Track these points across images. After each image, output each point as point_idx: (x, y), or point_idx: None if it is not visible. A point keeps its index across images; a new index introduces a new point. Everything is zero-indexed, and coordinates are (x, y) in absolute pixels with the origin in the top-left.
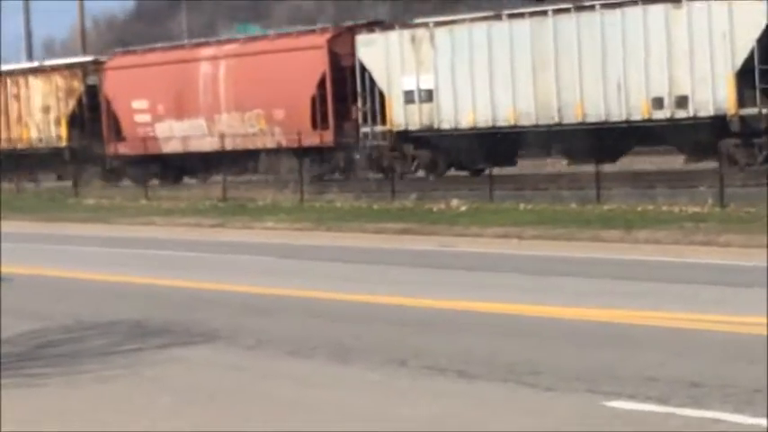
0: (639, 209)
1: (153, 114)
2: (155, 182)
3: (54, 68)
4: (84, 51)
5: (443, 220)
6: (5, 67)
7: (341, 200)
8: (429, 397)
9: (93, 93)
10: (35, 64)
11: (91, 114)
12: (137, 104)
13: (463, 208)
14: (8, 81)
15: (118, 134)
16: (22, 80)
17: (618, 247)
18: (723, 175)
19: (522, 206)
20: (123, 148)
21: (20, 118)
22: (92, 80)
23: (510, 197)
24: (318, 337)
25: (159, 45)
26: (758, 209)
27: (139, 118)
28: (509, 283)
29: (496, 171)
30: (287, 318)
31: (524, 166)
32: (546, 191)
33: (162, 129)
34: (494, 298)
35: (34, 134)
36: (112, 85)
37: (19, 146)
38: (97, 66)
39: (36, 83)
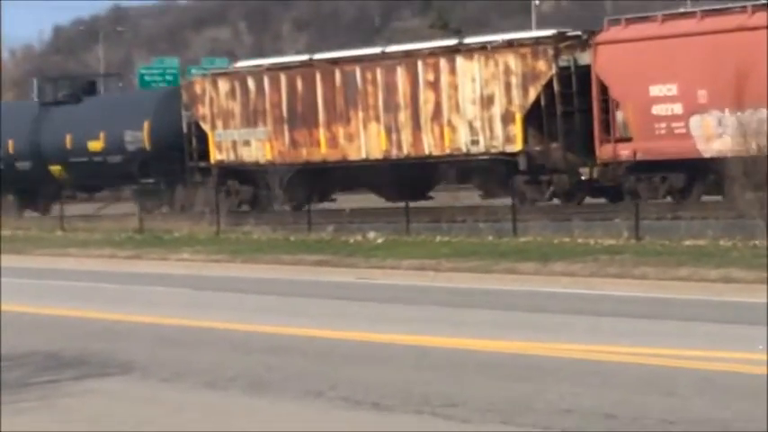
0: (555, 241)
1: (686, 103)
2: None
3: (501, 46)
4: (0, 81)
5: (360, 252)
6: (412, 47)
7: (257, 232)
8: (345, 428)
9: (566, 78)
10: (461, 41)
11: (564, 108)
12: (657, 91)
13: (380, 240)
14: (419, 64)
15: (615, 133)
16: (443, 63)
17: (534, 280)
18: (639, 207)
19: (438, 238)
20: (625, 151)
21: (437, 113)
22: (564, 61)
23: (426, 229)
24: (235, 368)
25: (685, 10)
26: (672, 242)
27: (661, 109)
28: (425, 315)
29: (413, 204)
30: (203, 349)
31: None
32: (463, 223)
33: (700, 123)
34: (409, 330)
35: (464, 136)
36: (610, 65)
37: (434, 152)
38: (572, 41)
39: (468, 66)
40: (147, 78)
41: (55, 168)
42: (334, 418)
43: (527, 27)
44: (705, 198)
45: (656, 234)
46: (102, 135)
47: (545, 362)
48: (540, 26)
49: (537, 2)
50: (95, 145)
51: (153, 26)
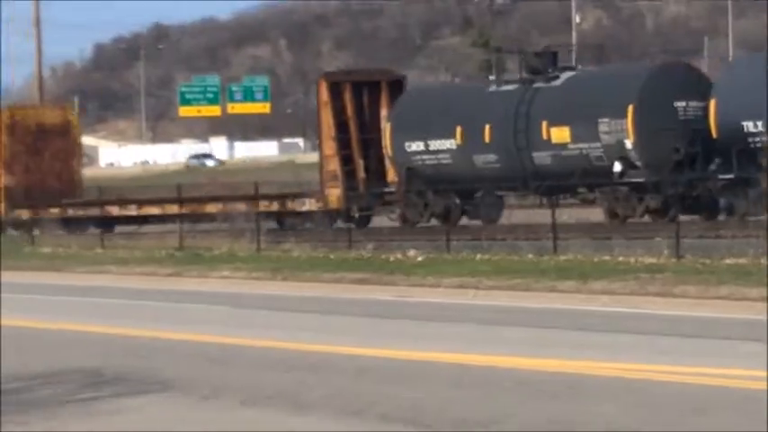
0: (596, 260)
1: None
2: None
3: None
4: (42, 99)
5: (400, 270)
6: None
7: (298, 249)
8: None
9: None
10: None
11: None
12: None
13: (420, 258)
14: None
15: None
16: None
17: (574, 298)
18: (679, 226)
19: (478, 256)
20: None
21: None
22: None
23: (467, 247)
24: (274, 386)
25: None
26: (713, 260)
27: None
28: (465, 333)
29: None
30: (242, 367)
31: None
32: (503, 241)
33: None
34: (449, 348)
35: None
36: None
37: None
38: None
39: None
40: (187, 96)
41: None
42: None
43: (568, 44)
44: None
45: (696, 252)
46: None
47: (585, 381)
48: (581, 44)
49: (578, 20)
50: None
51: (193, 44)
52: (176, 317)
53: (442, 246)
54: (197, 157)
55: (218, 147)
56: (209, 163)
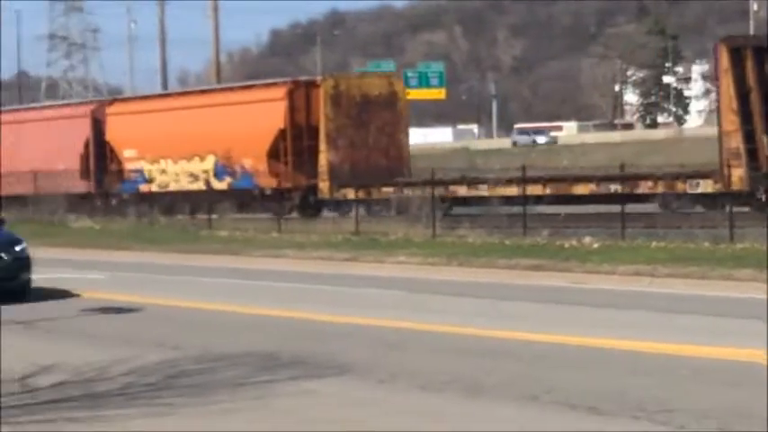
0: None
1: None
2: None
3: None
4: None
5: (575, 256)
6: None
7: (473, 235)
8: None
9: None
10: None
11: None
12: None
13: (595, 245)
14: None
15: None
16: None
17: (750, 287)
18: None
19: (654, 244)
20: None
21: None
22: None
23: (642, 234)
24: (450, 371)
25: None
26: None
27: None
28: (640, 320)
29: (629, 209)
30: (419, 352)
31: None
32: (678, 229)
33: None
34: (625, 335)
35: None
36: None
37: None
38: None
39: None
40: None
41: None
42: (550, 422)
43: (745, 33)
44: None
45: None
46: None
47: (761, 369)
48: (758, 32)
49: (755, 7)
50: None
51: (369, 30)
52: (352, 301)
53: (617, 233)
54: (526, 132)
55: None
56: (540, 140)
